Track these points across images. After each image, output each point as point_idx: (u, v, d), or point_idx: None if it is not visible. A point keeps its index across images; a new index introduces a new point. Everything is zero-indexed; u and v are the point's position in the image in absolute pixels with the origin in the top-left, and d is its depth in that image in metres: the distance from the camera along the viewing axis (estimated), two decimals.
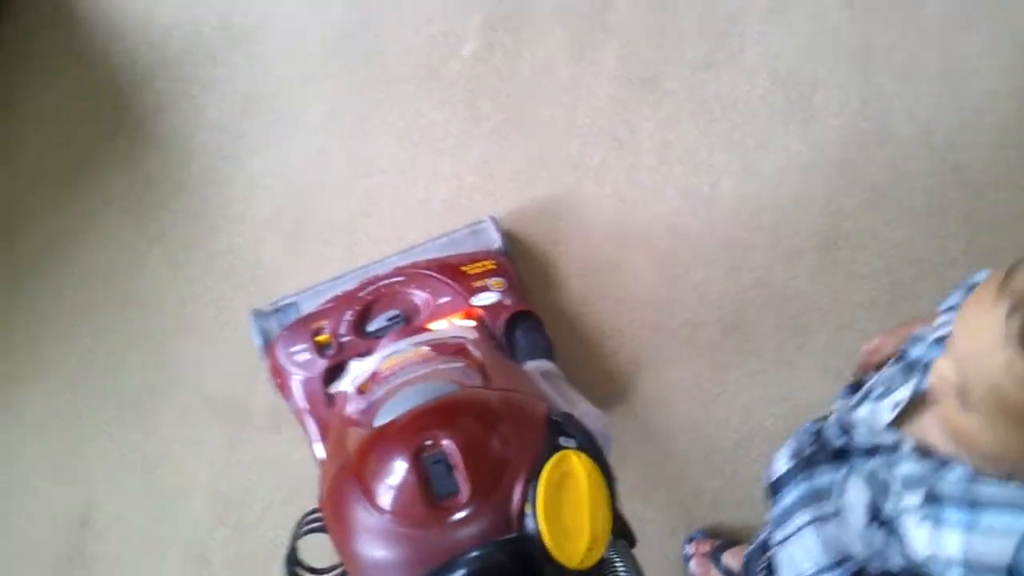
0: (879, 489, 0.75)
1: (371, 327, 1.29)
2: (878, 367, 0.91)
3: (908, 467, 0.72)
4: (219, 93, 1.65)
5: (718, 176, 1.49)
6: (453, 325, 1.21)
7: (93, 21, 1.72)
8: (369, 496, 0.59)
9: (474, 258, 1.35)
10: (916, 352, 0.79)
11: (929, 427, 0.72)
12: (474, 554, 0.54)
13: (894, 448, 0.74)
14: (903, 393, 0.75)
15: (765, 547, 0.91)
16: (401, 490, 0.58)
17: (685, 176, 1.50)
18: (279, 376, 1.29)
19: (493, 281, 1.30)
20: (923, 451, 0.71)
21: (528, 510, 0.56)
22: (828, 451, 0.84)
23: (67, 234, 1.61)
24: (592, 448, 0.63)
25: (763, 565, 0.91)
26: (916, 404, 0.75)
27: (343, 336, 1.27)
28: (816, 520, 0.83)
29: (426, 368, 0.84)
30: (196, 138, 1.63)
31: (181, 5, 1.71)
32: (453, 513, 0.56)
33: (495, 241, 1.40)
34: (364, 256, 1.47)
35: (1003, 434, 0.60)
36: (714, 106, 1.52)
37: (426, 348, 0.99)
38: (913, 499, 0.69)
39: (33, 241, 1.62)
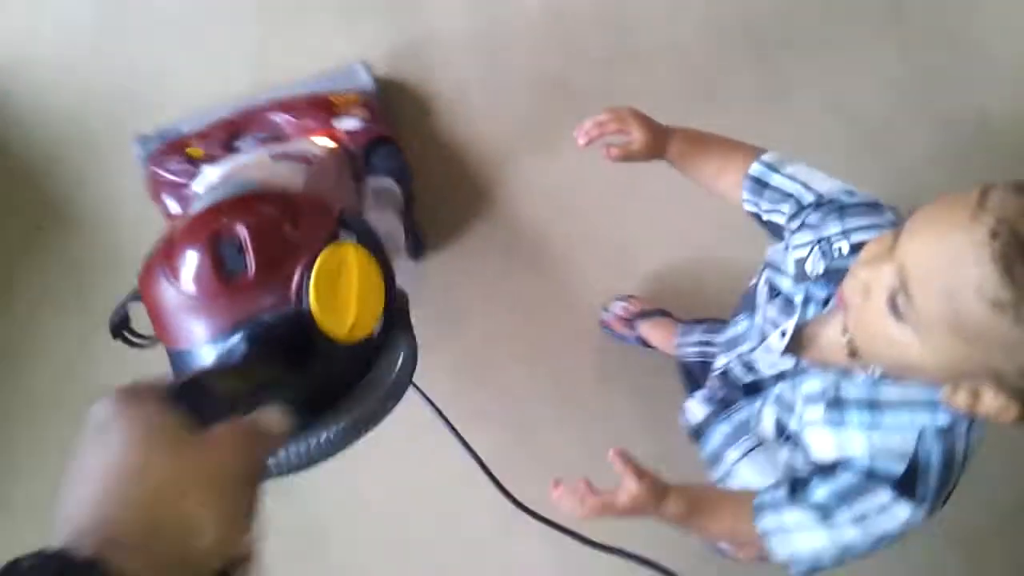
0: (784, 408, 0.81)
1: (241, 146, 1.40)
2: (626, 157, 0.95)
3: (809, 383, 0.77)
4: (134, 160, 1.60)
5: None
6: (309, 142, 1.33)
7: None
8: (173, 272, 0.67)
9: (344, 93, 1.46)
10: (786, 287, 0.83)
11: (825, 346, 0.76)
12: (255, 319, 0.64)
13: (796, 372, 0.79)
14: (789, 324, 0.79)
15: None
16: (198, 268, 0.66)
17: None
18: (155, 187, 1.41)
19: (357, 110, 1.43)
20: (823, 367, 0.76)
21: (304, 289, 0.65)
22: (739, 388, 0.89)
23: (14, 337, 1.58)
24: (372, 243, 0.71)
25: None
26: (803, 332, 0.79)
27: (214, 152, 1.39)
28: (745, 455, 0.89)
29: (251, 170, 0.93)
30: (122, 208, 1.62)
31: (77, 87, 1.68)
32: (241, 288, 0.65)
33: (365, 82, 1.52)
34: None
35: (938, 344, 0.61)
36: None
37: (268, 156, 1.09)
38: (815, 412, 0.75)
39: None
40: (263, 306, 0.64)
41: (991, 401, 0.62)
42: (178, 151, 1.40)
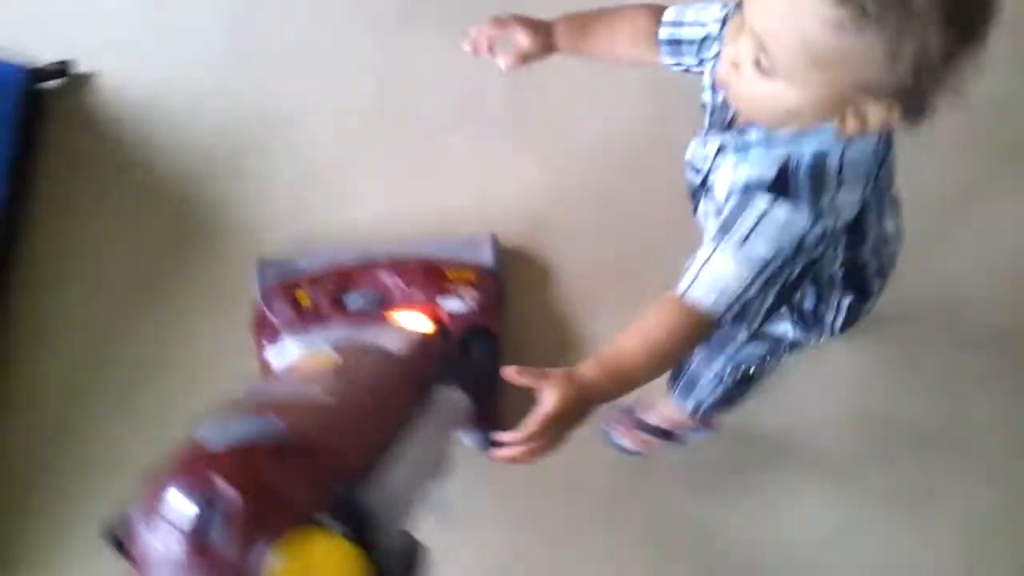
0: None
1: (348, 301, 1.41)
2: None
3: (712, 143, 0.84)
4: (272, 180, 1.69)
5: None
6: (405, 326, 1.29)
7: (132, 143, 1.74)
8: (152, 514, 0.66)
9: (460, 266, 1.42)
10: (707, 99, 0.89)
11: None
12: None
13: (721, 146, 0.84)
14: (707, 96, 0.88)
15: None
16: (171, 532, 0.64)
17: None
18: (258, 322, 1.43)
19: (467, 290, 1.38)
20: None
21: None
22: (694, 191, 0.94)
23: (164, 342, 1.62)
24: (365, 544, 0.64)
25: None
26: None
27: (320, 303, 1.39)
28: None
29: (294, 394, 0.89)
30: (258, 224, 1.66)
31: (218, 108, 1.75)
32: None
33: (486, 258, 1.46)
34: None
35: (807, 82, 0.67)
36: None
37: (338, 358, 1.05)
38: (729, 159, 0.81)
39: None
40: None
41: (876, 113, 0.68)
42: (288, 294, 1.41)
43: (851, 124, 0.70)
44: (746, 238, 0.75)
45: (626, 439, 1.38)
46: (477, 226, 1.53)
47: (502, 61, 1.00)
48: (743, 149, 0.79)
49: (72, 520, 1.46)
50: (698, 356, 1.10)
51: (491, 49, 1.00)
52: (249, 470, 0.67)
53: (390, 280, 1.40)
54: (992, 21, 0.63)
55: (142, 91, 1.78)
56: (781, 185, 0.75)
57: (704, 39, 0.90)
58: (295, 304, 1.40)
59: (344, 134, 1.71)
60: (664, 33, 0.93)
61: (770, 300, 0.80)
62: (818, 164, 0.74)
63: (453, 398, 1.10)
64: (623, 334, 0.81)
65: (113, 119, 1.77)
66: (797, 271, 0.78)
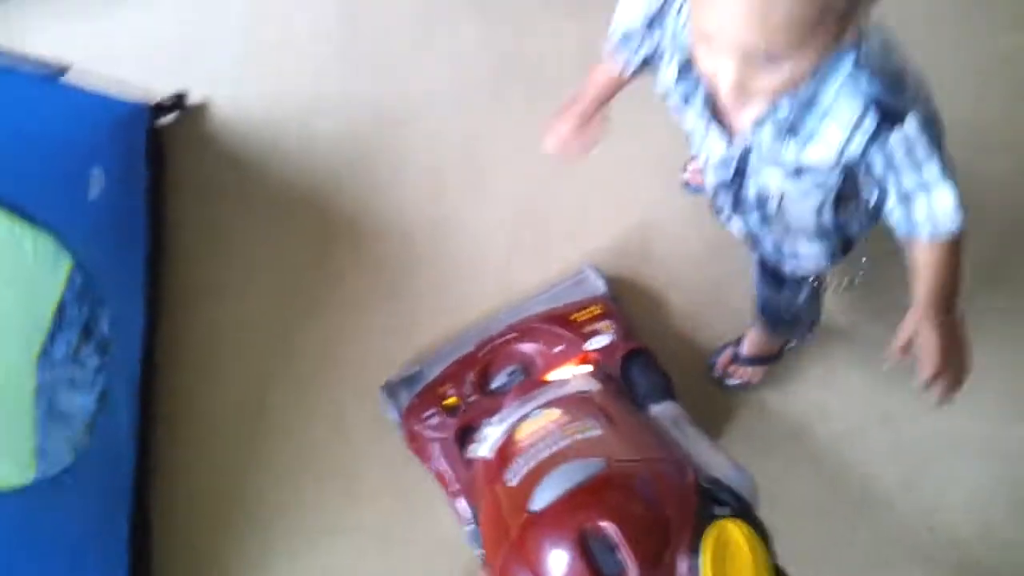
0: (773, 163, 0.87)
1: (494, 384, 1.37)
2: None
3: (763, 139, 0.85)
4: (407, 171, 1.72)
5: None
6: (572, 374, 1.27)
7: (260, 163, 1.77)
8: (537, 571, 0.64)
9: (581, 305, 1.40)
10: (675, 99, 0.91)
11: (746, 117, 0.84)
12: None
13: (748, 146, 0.87)
14: (706, 115, 0.88)
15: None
16: (569, 567, 0.62)
17: None
18: (415, 442, 1.38)
19: (603, 324, 1.35)
20: (757, 125, 0.84)
21: None
22: (730, 183, 0.96)
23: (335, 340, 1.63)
24: (747, 514, 0.66)
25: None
26: (721, 114, 0.88)
27: (469, 397, 1.35)
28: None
29: (566, 440, 0.88)
30: (405, 217, 1.68)
31: (334, 116, 1.78)
32: None
33: (599, 288, 1.46)
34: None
35: (814, 38, 0.68)
36: None
37: (556, 411, 1.05)
38: (789, 146, 0.83)
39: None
40: None
41: (860, 17, 0.71)
42: (433, 402, 1.37)
43: (849, 38, 0.72)
44: (924, 162, 0.81)
45: (735, 377, 1.45)
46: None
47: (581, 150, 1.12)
48: (795, 127, 0.81)
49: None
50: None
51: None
52: (603, 498, 0.68)
53: (527, 348, 1.37)
54: None
55: (257, 111, 1.81)
56: (890, 114, 0.77)
57: (651, 21, 0.90)
58: (443, 409, 1.36)
59: (468, 120, 1.74)
60: (611, 39, 0.97)
61: None
62: (876, 72, 0.77)
63: (666, 409, 1.17)
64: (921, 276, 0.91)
65: (233, 143, 1.79)
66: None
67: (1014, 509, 1.37)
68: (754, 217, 1.01)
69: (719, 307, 1.52)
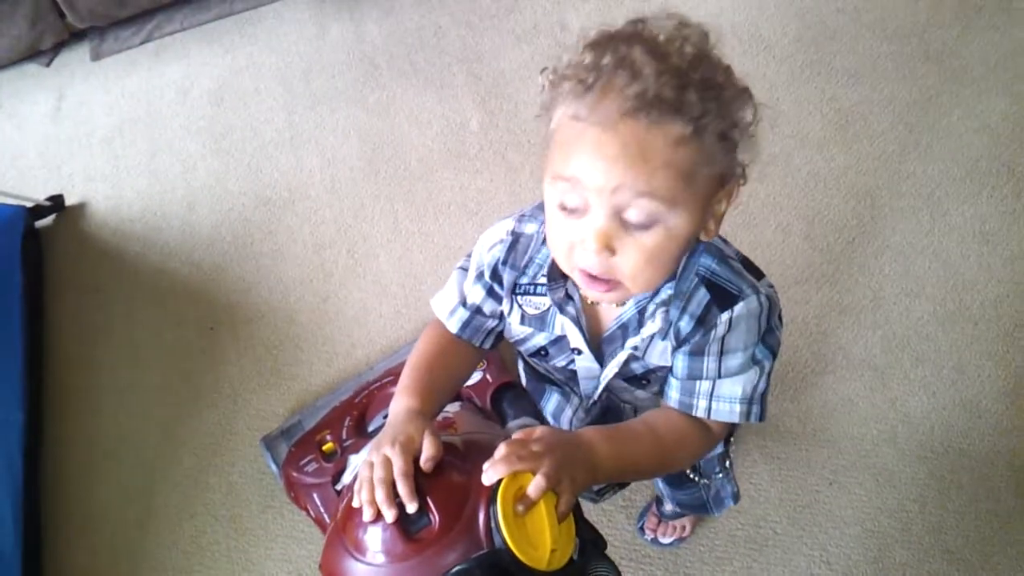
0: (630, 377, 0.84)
1: (371, 428, 1.39)
2: None
3: (637, 342, 0.80)
4: (289, 252, 1.76)
5: None
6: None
7: (141, 258, 1.81)
8: (357, 548, 0.66)
9: None
10: (535, 340, 0.87)
11: (606, 322, 0.82)
12: (452, 571, 0.62)
13: (632, 355, 0.81)
14: (576, 339, 0.83)
15: None
16: (382, 533, 0.65)
17: None
18: (293, 489, 1.38)
19: None
20: (625, 329, 0.80)
21: (494, 527, 0.63)
22: (598, 402, 0.91)
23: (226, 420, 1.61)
24: None
25: None
26: (585, 319, 0.82)
27: (346, 441, 1.37)
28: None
29: None
30: (290, 297, 1.71)
31: (214, 208, 1.84)
32: (430, 542, 0.64)
33: None
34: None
35: (687, 199, 0.67)
36: None
37: None
38: (668, 347, 0.79)
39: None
40: (456, 555, 0.62)
41: (724, 202, 0.71)
42: (311, 449, 1.38)
43: (711, 227, 0.72)
44: (734, 350, 0.77)
45: (667, 535, 1.36)
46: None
47: None
48: (642, 320, 0.78)
49: None
50: None
51: None
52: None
53: None
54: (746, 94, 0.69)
55: (135, 207, 1.85)
56: (723, 297, 0.75)
57: (495, 267, 0.85)
58: (321, 455, 1.36)
59: (342, 196, 1.81)
60: (455, 318, 0.89)
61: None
62: (715, 255, 0.76)
63: (525, 420, 1.19)
64: (627, 424, 0.82)
65: (114, 240, 1.82)
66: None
67: None
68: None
69: None
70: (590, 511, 1.42)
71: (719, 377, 0.78)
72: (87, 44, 2.12)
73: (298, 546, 1.42)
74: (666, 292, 0.76)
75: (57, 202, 1.83)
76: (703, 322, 0.76)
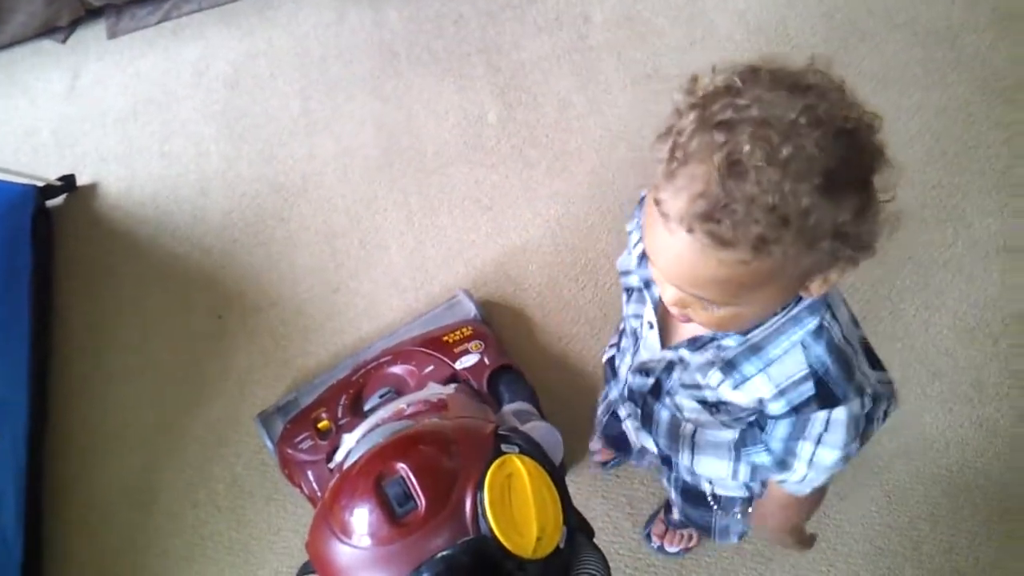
0: (693, 388, 0.84)
1: (367, 407, 1.37)
2: None
3: (695, 359, 0.80)
4: (301, 241, 1.74)
5: None
6: (433, 389, 1.28)
7: (152, 241, 1.79)
8: (343, 530, 0.65)
9: (453, 328, 1.43)
10: (634, 282, 0.87)
11: (690, 327, 0.79)
12: (438, 556, 0.61)
13: (679, 359, 0.83)
14: (647, 311, 0.84)
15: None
16: (368, 516, 0.64)
17: None
18: (288, 467, 1.37)
19: (472, 344, 1.38)
20: (696, 344, 0.80)
21: (480, 513, 0.62)
22: (646, 395, 0.92)
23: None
24: (534, 450, 0.69)
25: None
26: (667, 320, 0.82)
27: (341, 419, 1.35)
28: (693, 450, 0.95)
29: (400, 423, 0.91)
30: (301, 286, 1.70)
31: (226, 193, 1.82)
32: (415, 527, 0.63)
33: (470, 310, 1.49)
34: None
35: (755, 297, 0.65)
36: None
37: (406, 407, 1.06)
38: (716, 377, 0.79)
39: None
40: (442, 540, 0.62)
41: (832, 273, 0.65)
42: (306, 426, 1.37)
43: (816, 287, 0.67)
44: (822, 445, 0.79)
45: (674, 544, 1.36)
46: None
47: None
48: (733, 364, 0.77)
49: None
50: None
51: None
52: (401, 447, 0.70)
53: (399, 370, 1.38)
54: (877, 160, 0.61)
55: (148, 190, 1.84)
56: (828, 395, 0.74)
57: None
58: (316, 432, 1.35)
59: (355, 185, 1.78)
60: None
61: None
62: (837, 353, 0.73)
63: (519, 406, 1.19)
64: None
65: (125, 222, 1.81)
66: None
67: None
68: (663, 440, 0.98)
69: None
70: (595, 509, 1.41)
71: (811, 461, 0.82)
72: (103, 22, 2.10)
73: (301, 540, 1.39)
74: (760, 335, 0.75)
75: (69, 182, 1.82)
76: (797, 410, 0.77)
